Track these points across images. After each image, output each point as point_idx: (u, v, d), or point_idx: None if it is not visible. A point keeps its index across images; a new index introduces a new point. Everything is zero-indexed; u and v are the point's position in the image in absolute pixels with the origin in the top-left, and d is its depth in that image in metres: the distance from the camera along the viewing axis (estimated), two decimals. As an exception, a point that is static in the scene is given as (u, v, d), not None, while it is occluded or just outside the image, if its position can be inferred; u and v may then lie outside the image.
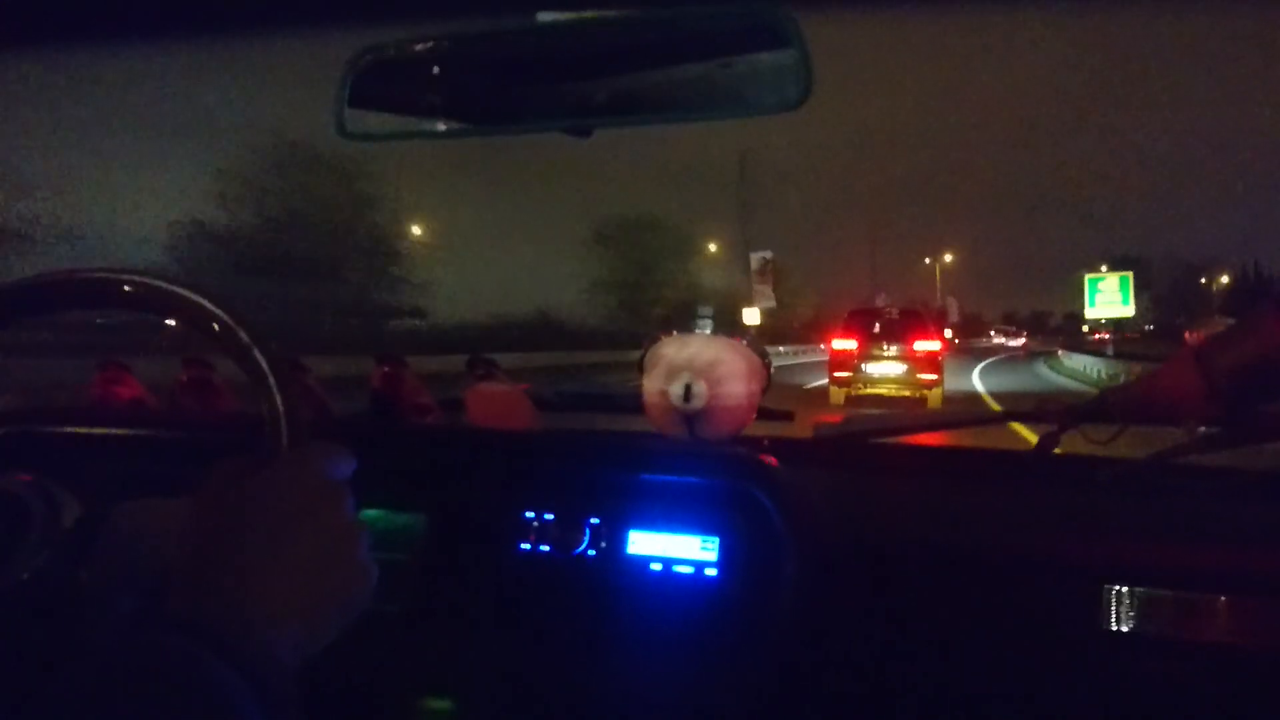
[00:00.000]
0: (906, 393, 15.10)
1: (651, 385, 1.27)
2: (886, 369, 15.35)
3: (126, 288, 0.65)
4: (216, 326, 0.65)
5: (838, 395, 15.34)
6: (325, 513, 0.61)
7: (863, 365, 15.38)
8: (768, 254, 36.39)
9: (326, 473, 0.63)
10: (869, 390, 15.26)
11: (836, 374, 15.55)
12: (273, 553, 0.57)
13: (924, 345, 15.29)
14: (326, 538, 0.60)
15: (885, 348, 15.41)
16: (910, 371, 15.19)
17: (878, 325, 15.98)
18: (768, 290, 35.15)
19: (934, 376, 15.12)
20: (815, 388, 15.65)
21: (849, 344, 15.59)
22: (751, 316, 36.63)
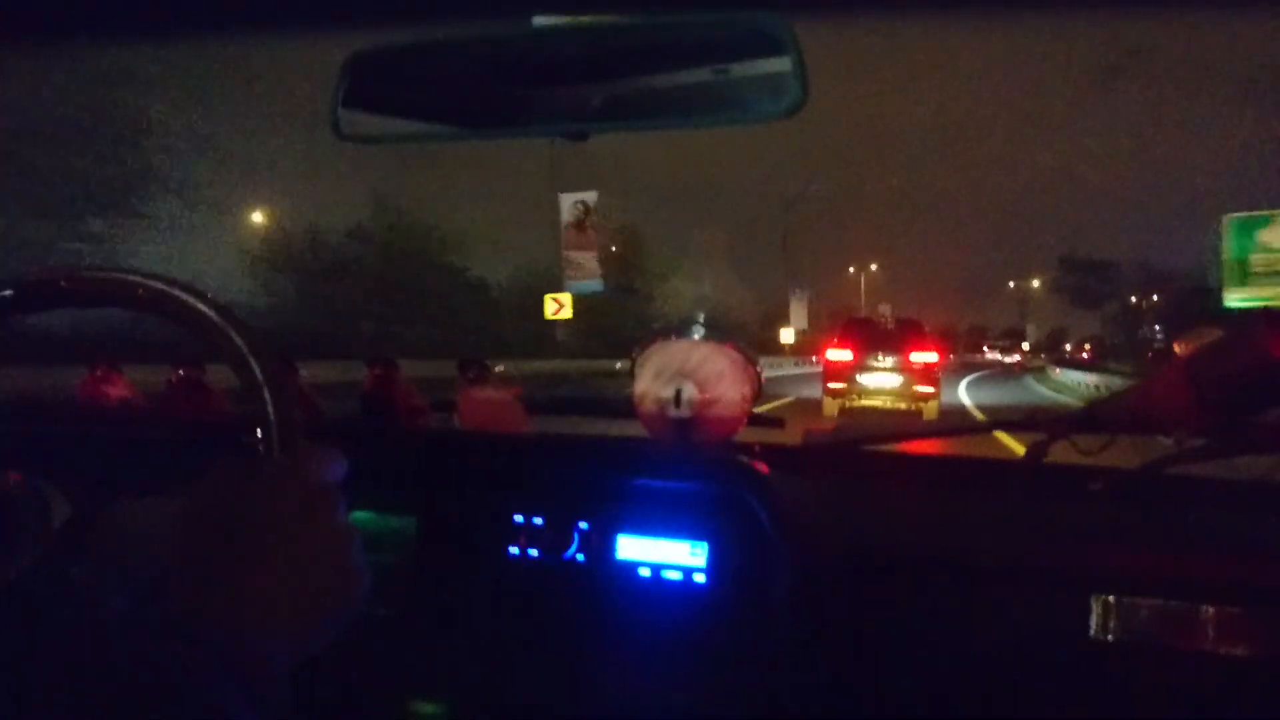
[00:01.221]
0: (903, 405, 14.99)
1: (643, 390, 1.28)
2: (882, 380, 15.19)
3: (122, 287, 0.65)
4: (210, 329, 0.65)
5: (831, 407, 15.17)
6: (318, 516, 0.61)
7: (858, 376, 15.25)
8: (589, 197, 20.55)
9: (319, 476, 0.63)
10: (864, 402, 15.14)
11: (831, 385, 15.38)
12: (265, 556, 0.57)
13: (921, 357, 15.17)
14: (319, 541, 0.60)
15: (881, 358, 15.26)
16: (907, 383, 15.05)
17: (874, 336, 15.87)
18: (590, 260, 20.58)
19: (931, 389, 15.01)
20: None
21: (844, 354, 15.45)
22: (558, 307, 22.85)
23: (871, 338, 15.76)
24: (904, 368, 15.14)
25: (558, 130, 1.08)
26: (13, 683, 0.58)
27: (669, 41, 1.03)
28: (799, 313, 48.29)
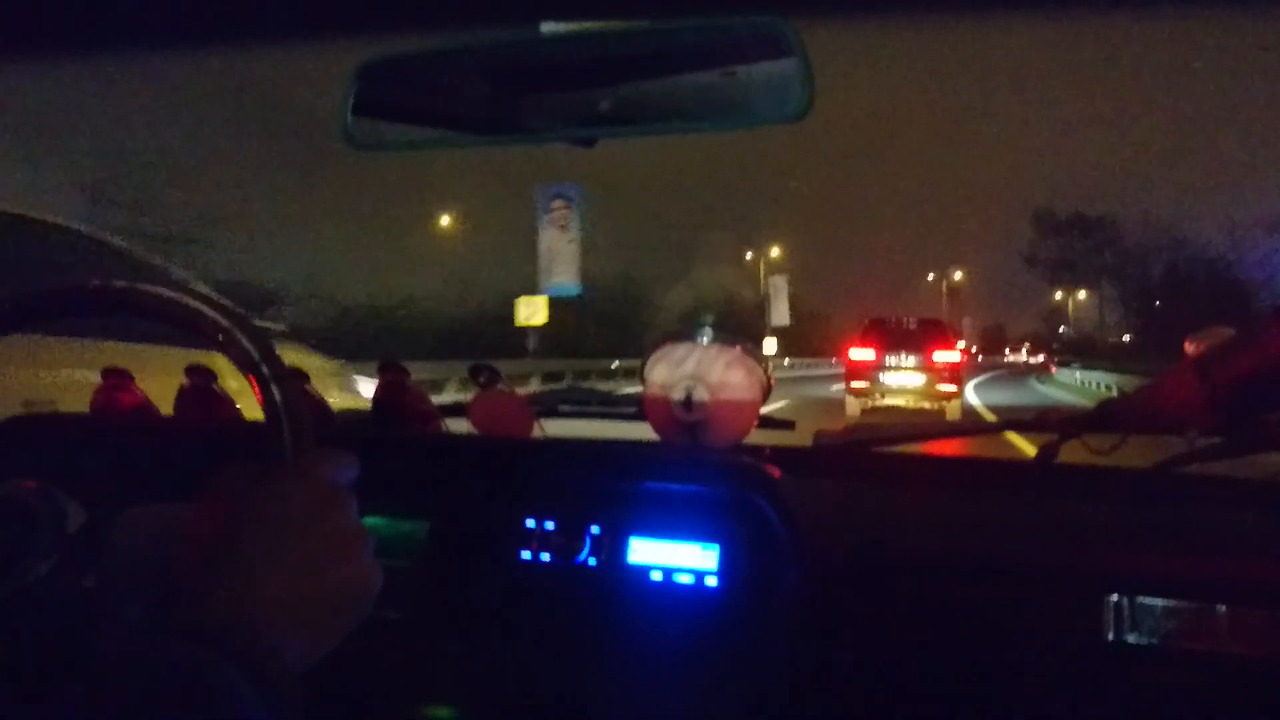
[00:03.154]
0: (925, 404, 15.05)
1: (653, 393, 1.28)
2: (905, 379, 15.27)
3: (135, 296, 0.66)
4: (221, 335, 0.66)
5: (854, 406, 15.24)
6: (330, 517, 0.61)
7: (880, 376, 15.32)
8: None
9: (331, 478, 0.64)
10: (887, 401, 15.20)
11: (853, 384, 15.47)
12: (278, 558, 0.58)
13: (944, 356, 15.26)
14: (332, 542, 0.60)
15: (904, 358, 15.34)
16: (929, 383, 15.12)
17: (896, 335, 15.96)
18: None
19: (953, 388, 15.12)
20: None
21: (867, 354, 15.52)
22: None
23: (894, 337, 15.84)
24: (927, 367, 15.19)
25: (566, 136, 1.08)
26: (30, 688, 0.59)
27: (675, 47, 1.03)
28: (563, 262, 20.31)
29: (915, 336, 15.82)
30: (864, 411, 15.03)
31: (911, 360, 15.30)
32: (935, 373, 15.16)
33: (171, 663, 0.49)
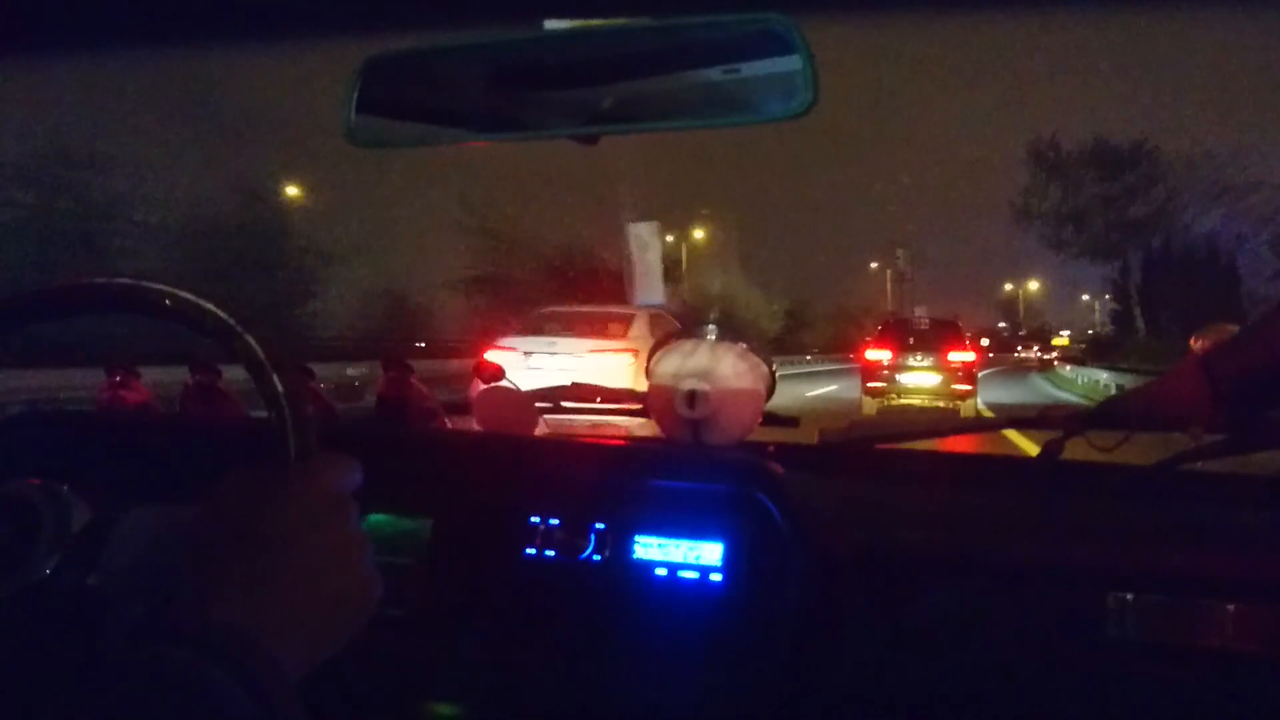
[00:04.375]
0: (940, 403, 15.24)
1: (657, 391, 1.28)
2: (920, 379, 15.53)
3: (141, 294, 0.66)
4: (228, 335, 0.65)
5: (870, 406, 15.45)
6: (332, 524, 0.61)
7: (896, 376, 15.56)
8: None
9: (334, 484, 0.64)
10: (903, 401, 15.39)
11: (870, 384, 15.72)
12: (279, 564, 0.57)
13: (958, 356, 15.56)
14: (333, 549, 0.60)
15: (919, 358, 15.61)
16: (945, 382, 15.35)
17: (911, 336, 16.26)
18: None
19: (969, 387, 15.35)
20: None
21: (882, 354, 15.77)
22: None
23: (909, 338, 16.16)
24: (942, 367, 15.44)
25: (568, 132, 1.08)
26: (30, 688, 0.59)
27: (678, 44, 1.03)
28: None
29: (930, 337, 16.14)
30: (879, 411, 15.19)
31: (927, 360, 15.56)
32: (950, 372, 15.41)
33: (167, 669, 0.49)
